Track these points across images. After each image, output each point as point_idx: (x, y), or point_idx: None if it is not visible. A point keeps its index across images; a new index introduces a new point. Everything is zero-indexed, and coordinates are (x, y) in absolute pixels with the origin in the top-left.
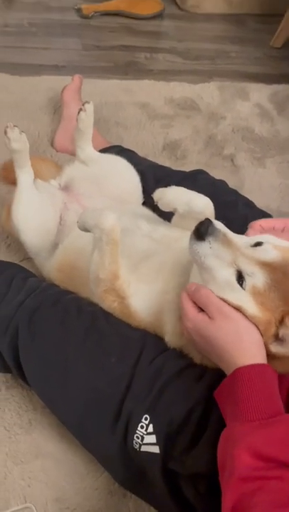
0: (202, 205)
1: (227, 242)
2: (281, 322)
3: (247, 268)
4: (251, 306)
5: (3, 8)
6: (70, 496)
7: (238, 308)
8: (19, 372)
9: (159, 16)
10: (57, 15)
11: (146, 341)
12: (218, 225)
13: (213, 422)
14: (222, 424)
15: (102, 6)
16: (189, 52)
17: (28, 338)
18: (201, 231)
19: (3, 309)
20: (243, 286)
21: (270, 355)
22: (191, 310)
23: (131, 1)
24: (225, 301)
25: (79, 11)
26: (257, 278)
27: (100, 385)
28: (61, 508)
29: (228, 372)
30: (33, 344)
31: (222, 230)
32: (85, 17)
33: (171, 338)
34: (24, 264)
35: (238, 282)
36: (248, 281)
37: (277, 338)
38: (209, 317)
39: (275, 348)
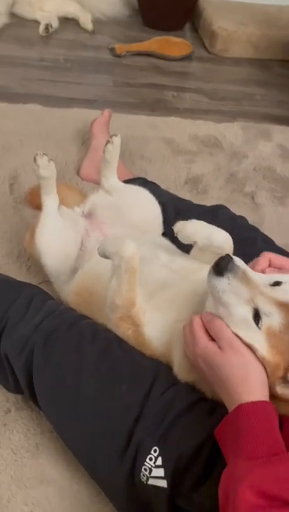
0: (222, 240)
1: (246, 280)
2: None
3: (264, 307)
4: (263, 347)
5: (41, 43)
6: None
7: (249, 347)
8: (31, 394)
9: (187, 58)
10: (91, 53)
11: (159, 371)
12: (238, 261)
13: (224, 459)
14: None
15: (135, 47)
16: (215, 93)
17: (43, 360)
18: (221, 267)
19: (21, 329)
20: (259, 325)
21: (272, 396)
22: (202, 337)
23: (162, 43)
24: (238, 337)
25: (112, 50)
26: (274, 318)
27: (110, 413)
28: None
29: (230, 406)
30: (47, 366)
31: (241, 267)
32: (118, 56)
33: (178, 371)
34: (43, 287)
35: (254, 321)
36: (265, 321)
37: (285, 381)
38: (219, 348)
39: (281, 390)
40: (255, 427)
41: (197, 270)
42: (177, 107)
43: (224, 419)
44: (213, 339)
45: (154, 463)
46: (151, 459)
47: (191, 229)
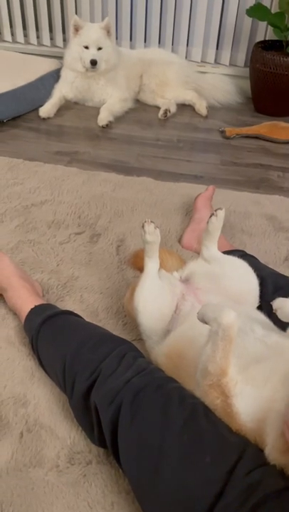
0: None
1: None
2: None
3: None
4: None
5: (159, 126)
6: None
7: None
8: (113, 450)
9: None
10: (202, 134)
11: (245, 449)
12: None
13: None
14: None
15: (244, 130)
16: None
17: (129, 416)
18: None
19: (111, 383)
20: None
21: None
22: None
23: (271, 127)
24: None
25: (223, 132)
26: None
27: (190, 484)
28: None
29: None
30: (133, 424)
31: None
32: (227, 138)
33: (271, 452)
34: (135, 344)
35: None
36: None
37: None
38: None
39: None
40: None
41: None
42: (282, 186)
43: None
44: None
45: None
46: None
47: None
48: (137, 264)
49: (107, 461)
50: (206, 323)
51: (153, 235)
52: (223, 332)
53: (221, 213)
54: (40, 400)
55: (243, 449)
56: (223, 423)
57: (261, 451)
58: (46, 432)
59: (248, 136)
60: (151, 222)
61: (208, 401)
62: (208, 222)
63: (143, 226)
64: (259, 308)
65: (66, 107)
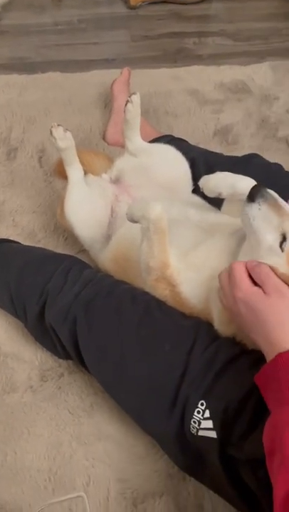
0: (246, 186)
1: (277, 207)
2: None
3: None
4: (285, 266)
5: (53, 7)
6: (131, 477)
7: (273, 269)
8: (79, 359)
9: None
10: (105, 8)
11: (200, 329)
12: (270, 190)
13: None
14: None
15: None
16: (240, 34)
17: (86, 328)
18: (253, 193)
19: (61, 301)
20: (282, 247)
21: None
22: (245, 281)
23: None
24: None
25: (126, 1)
26: None
27: (155, 373)
28: (123, 488)
29: (269, 354)
30: (90, 334)
31: (273, 195)
32: (133, 7)
33: (218, 326)
34: (80, 256)
35: (281, 246)
36: None
37: None
38: (264, 293)
39: None
40: None
41: (228, 225)
42: (200, 54)
43: (263, 368)
44: (256, 285)
45: (202, 415)
46: (199, 412)
47: (214, 181)
48: (63, 173)
49: (78, 370)
50: (136, 222)
51: (65, 139)
52: (153, 226)
53: (136, 98)
54: None
55: (197, 330)
56: (176, 310)
57: (213, 326)
58: (12, 360)
59: (154, 2)
60: (59, 125)
61: (157, 294)
62: (124, 110)
63: (51, 132)
64: (195, 191)
65: None
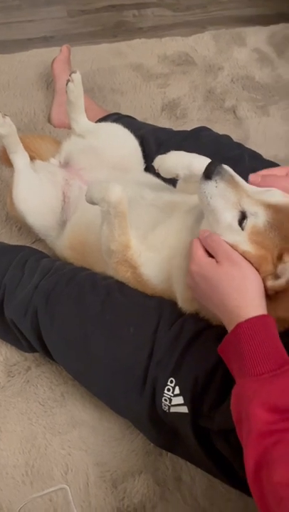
0: (202, 166)
1: (234, 183)
2: (279, 259)
3: (250, 208)
4: (245, 244)
5: None
6: (109, 460)
7: (233, 247)
8: (44, 351)
9: None
10: None
11: (163, 308)
12: (227, 167)
13: None
14: None
15: None
16: (179, 3)
17: (48, 320)
18: (209, 170)
19: (20, 293)
20: (242, 225)
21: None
22: (198, 253)
23: None
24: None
25: None
26: (259, 218)
27: (122, 356)
28: (102, 471)
29: (230, 324)
30: (53, 324)
31: (229, 171)
32: None
33: (182, 304)
34: (37, 246)
35: (240, 224)
36: (249, 221)
37: (276, 276)
38: (217, 262)
39: (271, 283)
40: (257, 344)
41: (184, 203)
42: (140, 26)
43: (225, 339)
44: (211, 256)
45: (173, 392)
46: (169, 390)
47: (169, 162)
48: (9, 160)
49: (45, 361)
50: (96, 204)
51: (4, 125)
52: (114, 210)
53: (77, 76)
54: None
55: (161, 310)
56: (138, 292)
57: (177, 305)
58: None
59: None
60: None
61: (119, 277)
62: (66, 91)
63: None
64: (148, 169)
65: None
